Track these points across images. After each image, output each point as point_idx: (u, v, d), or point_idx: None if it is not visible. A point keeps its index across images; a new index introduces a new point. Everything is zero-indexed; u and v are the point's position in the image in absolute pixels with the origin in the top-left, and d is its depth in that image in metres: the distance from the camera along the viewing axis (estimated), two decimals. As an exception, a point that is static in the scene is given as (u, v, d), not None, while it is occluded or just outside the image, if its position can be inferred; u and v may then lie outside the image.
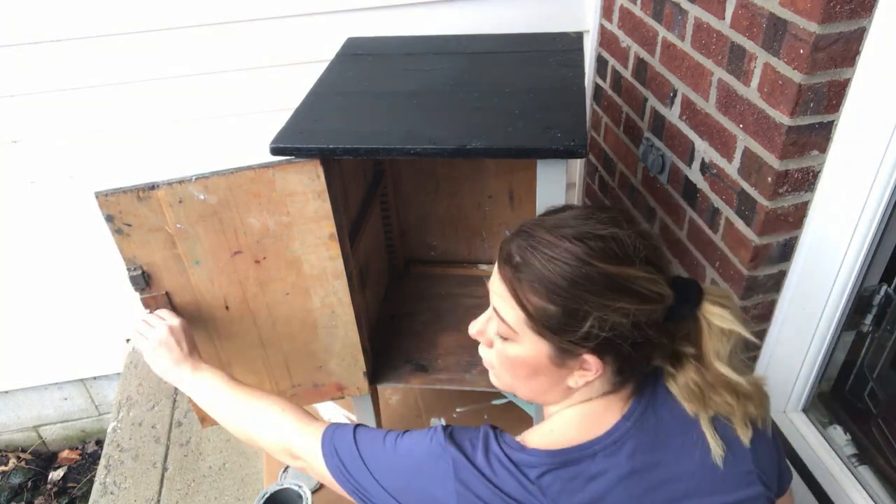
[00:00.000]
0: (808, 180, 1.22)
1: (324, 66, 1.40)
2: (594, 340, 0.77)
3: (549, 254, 0.76)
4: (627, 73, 1.71)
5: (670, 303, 0.78)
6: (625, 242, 0.76)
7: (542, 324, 0.78)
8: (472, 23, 1.74)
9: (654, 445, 0.82)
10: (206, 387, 1.08)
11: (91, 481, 2.18)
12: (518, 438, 0.84)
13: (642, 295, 0.76)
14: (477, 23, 1.74)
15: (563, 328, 0.77)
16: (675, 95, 1.48)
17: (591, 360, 0.79)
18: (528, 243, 0.78)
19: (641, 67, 1.63)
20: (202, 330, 1.21)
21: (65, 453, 2.45)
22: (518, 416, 1.67)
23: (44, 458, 2.44)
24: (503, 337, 0.82)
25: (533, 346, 0.80)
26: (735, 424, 0.83)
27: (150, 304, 1.15)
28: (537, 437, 0.84)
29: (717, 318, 0.80)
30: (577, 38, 1.51)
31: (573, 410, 0.85)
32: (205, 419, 1.28)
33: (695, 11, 1.35)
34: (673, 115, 1.51)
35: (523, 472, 0.79)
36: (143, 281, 1.13)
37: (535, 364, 0.82)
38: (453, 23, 1.73)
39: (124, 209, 1.05)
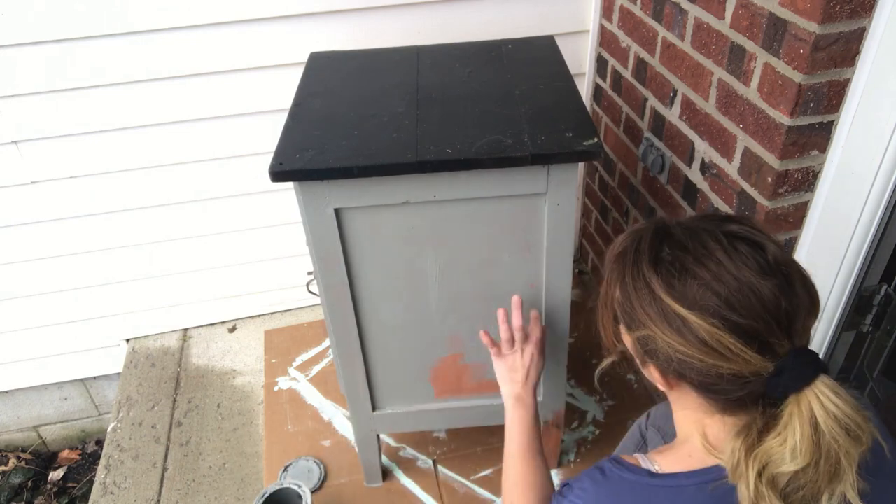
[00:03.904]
0: (808, 180, 1.22)
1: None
2: (644, 349, 0.77)
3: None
4: (627, 73, 1.71)
5: (761, 371, 0.69)
6: (723, 287, 0.70)
7: (620, 311, 0.79)
8: (471, 23, 1.74)
9: None
10: (510, 420, 1.17)
11: (91, 481, 2.18)
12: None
13: (702, 344, 0.70)
14: (477, 23, 1.74)
15: (627, 323, 0.78)
16: (675, 95, 1.48)
17: (654, 370, 0.78)
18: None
19: (641, 67, 1.63)
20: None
21: (65, 453, 2.45)
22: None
23: (44, 458, 2.44)
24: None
25: (625, 332, 0.82)
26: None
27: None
28: (667, 460, 0.80)
29: (820, 407, 0.66)
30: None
31: (692, 431, 0.80)
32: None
33: (695, 11, 1.35)
34: (673, 115, 1.51)
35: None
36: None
37: (631, 348, 0.82)
38: (453, 23, 1.73)
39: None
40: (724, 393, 0.73)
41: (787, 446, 0.66)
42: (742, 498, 0.70)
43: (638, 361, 0.83)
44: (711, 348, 0.69)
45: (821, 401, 0.66)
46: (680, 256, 0.73)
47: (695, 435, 0.79)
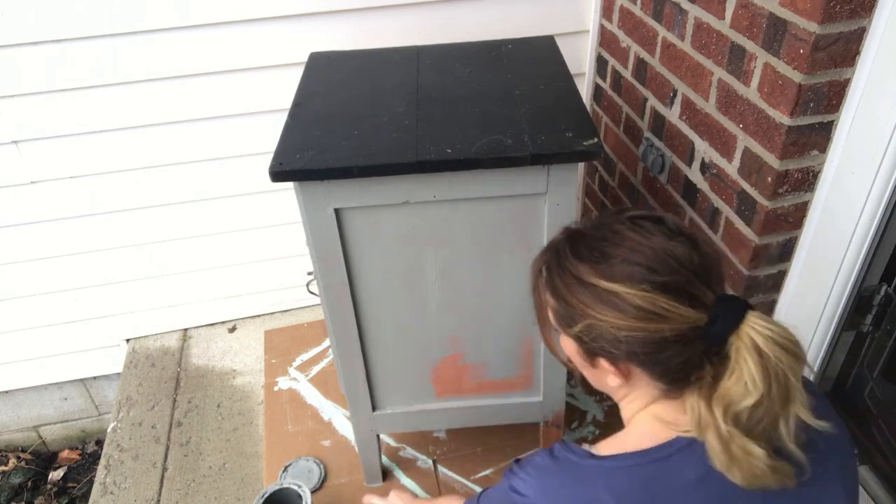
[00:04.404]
0: (808, 180, 1.22)
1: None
2: (590, 344, 0.78)
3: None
4: (627, 73, 1.71)
5: (697, 323, 0.73)
6: (641, 257, 0.76)
7: (555, 317, 0.82)
8: (471, 23, 1.74)
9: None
10: None
11: (91, 481, 2.18)
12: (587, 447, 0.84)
13: (639, 311, 0.74)
14: (477, 23, 1.74)
15: (566, 325, 0.80)
16: (675, 95, 1.48)
17: (605, 364, 0.80)
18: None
19: (641, 67, 1.63)
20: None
21: (65, 453, 2.45)
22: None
23: (44, 458, 2.44)
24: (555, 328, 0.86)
25: (565, 339, 0.84)
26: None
27: None
28: (608, 445, 0.83)
29: (758, 335, 0.71)
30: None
31: (641, 417, 0.84)
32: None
33: (695, 11, 1.35)
34: (673, 115, 1.51)
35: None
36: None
37: (574, 357, 0.85)
38: (453, 23, 1.73)
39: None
40: (672, 361, 0.76)
41: (743, 380, 0.71)
42: (711, 450, 0.73)
43: (586, 364, 0.84)
44: (649, 312, 0.74)
45: (757, 330, 0.71)
46: (597, 245, 0.79)
47: (643, 420, 0.83)
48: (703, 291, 0.75)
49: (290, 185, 1.17)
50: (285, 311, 2.21)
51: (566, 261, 0.80)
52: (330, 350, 2.02)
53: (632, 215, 0.81)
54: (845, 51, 1.08)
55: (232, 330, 2.18)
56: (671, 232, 0.78)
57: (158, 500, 1.70)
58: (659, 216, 0.81)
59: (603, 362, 0.81)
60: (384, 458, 1.68)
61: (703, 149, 1.41)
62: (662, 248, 0.76)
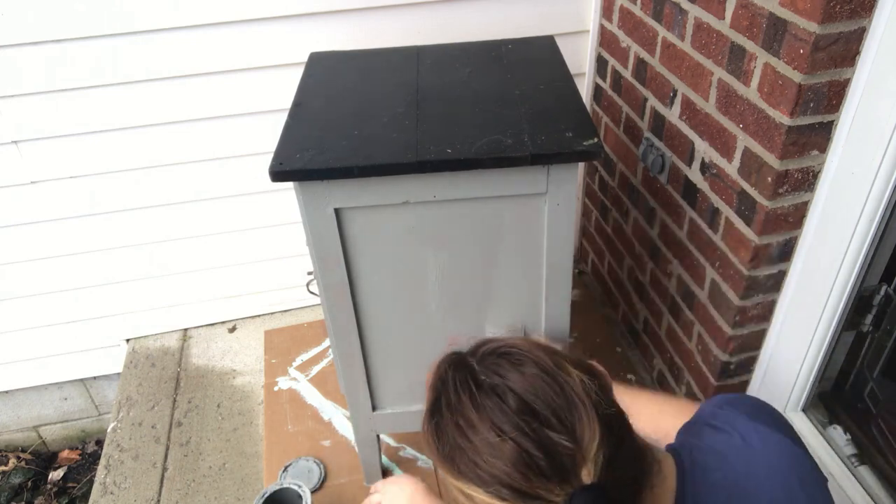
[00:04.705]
0: (808, 180, 1.22)
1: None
2: None
3: None
4: (627, 73, 1.71)
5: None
6: (482, 461, 0.66)
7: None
8: (471, 23, 1.74)
9: None
10: None
11: (91, 481, 2.18)
12: None
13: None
14: (477, 23, 1.74)
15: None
16: (675, 95, 1.48)
17: None
18: None
19: (641, 67, 1.63)
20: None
21: (65, 453, 2.45)
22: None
23: (44, 458, 2.44)
24: None
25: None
26: None
27: None
28: None
29: None
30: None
31: None
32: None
33: (695, 11, 1.35)
34: (673, 115, 1.51)
35: None
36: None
37: None
38: (453, 23, 1.73)
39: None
40: None
41: None
42: None
43: None
44: None
45: None
46: (450, 437, 0.71)
47: None
48: (551, 490, 0.64)
49: (290, 185, 1.17)
50: (285, 311, 2.21)
51: (433, 454, 0.74)
52: (330, 350, 2.02)
53: (480, 383, 0.70)
54: (845, 51, 1.08)
55: (232, 330, 2.18)
56: (509, 422, 0.66)
57: (158, 500, 1.70)
58: (501, 392, 0.69)
59: None
60: (384, 458, 1.68)
61: (703, 149, 1.41)
62: (496, 450, 0.66)
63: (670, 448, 0.84)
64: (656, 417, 1.00)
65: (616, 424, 0.69)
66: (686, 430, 0.89)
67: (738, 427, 0.83)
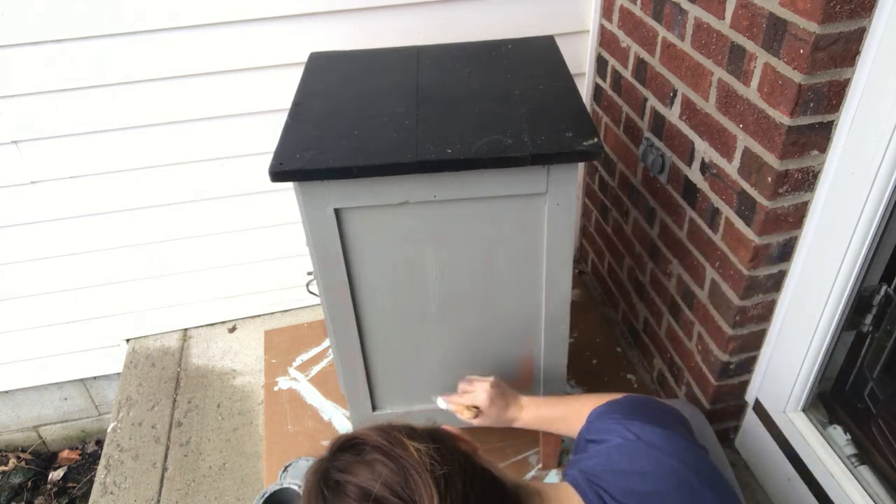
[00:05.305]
0: (808, 180, 1.22)
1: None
2: None
3: None
4: (627, 73, 1.71)
5: None
6: None
7: None
8: (471, 23, 1.74)
9: None
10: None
11: (91, 481, 2.18)
12: None
13: None
14: (477, 23, 1.74)
15: None
16: (675, 95, 1.48)
17: None
18: None
19: (641, 67, 1.63)
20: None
21: (65, 453, 2.46)
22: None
23: (44, 458, 2.44)
24: None
25: None
26: None
27: None
28: None
29: None
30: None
31: None
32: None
33: (695, 11, 1.35)
34: (673, 115, 1.51)
35: None
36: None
37: None
38: (453, 23, 1.73)
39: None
40: None
41: None
42: None
43: None
44: None
45: None
46: None
47: None
48: None
49: (289, 185, 1.17)
50: (285, 311, 2.21)
51: None
52: (330, 350, 2.02)
53: (327, 482, 0.76)
54: (845, 51, 1.08)
55: (232, 330, 2.18)
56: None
57: (158, 500, 1.70)
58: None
59: None
60: (384, 458, 1.67)
61: (703, 149, 1.41)
62: None
63: (565, 475, 0.92)
64: (580, 417, 1.09)
65: (459, 479, 0.76)
66: (574, 453, 1.01)
67: (611, 430, 0.94)
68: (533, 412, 1.27)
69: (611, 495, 0.85)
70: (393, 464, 0.74)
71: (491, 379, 1.30)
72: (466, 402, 1.29)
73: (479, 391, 1.28)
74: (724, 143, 1.33)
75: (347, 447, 0.79)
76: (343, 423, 1.81)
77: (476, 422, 1.29)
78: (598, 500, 0.85)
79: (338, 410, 1.85)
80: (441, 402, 1.35)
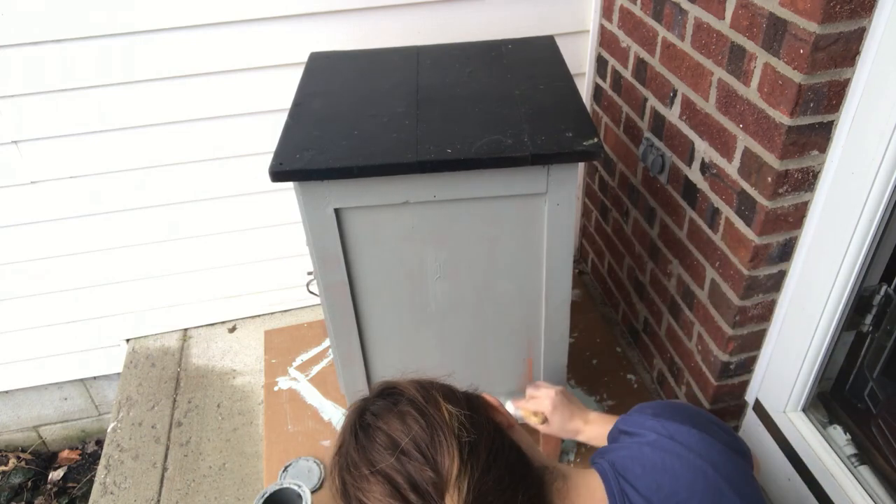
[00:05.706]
0: (808, 180, 1.22)
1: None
2: None
3: None
4: (627, 73, 1.71)
5: None
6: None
7: None
8: (471, 23, 1.74)
9: None
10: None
11: (91, 481, 2.18)
12: None
13: None
14: (477, 23, 1.74)
15: None
16: (675, 95, 1.48)
17: None
18: None
19: (641, 67, 1.63)
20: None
21: (65, 453, 2.45)
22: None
23: (44, 458, 2.44)
24: None
25: None
26: None
27: None
28: None
29: None
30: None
31: None
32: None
33: (695, 11, 1.35)
34: (673, 115, 1.51)
35: None
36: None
37: None
38: (453, 23, 1.73)
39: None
40: None
41: None
42: None
43: None
44: None
45: None
46: (341, 474, 0.78)
47: None
48: None
49: (290, 185, 1.17)
50: (285, 311, 2.21)
51: (330, 486, 0.80)
52: (330, 350, 2.02)
53: (362, 424, 0.78)
54: (845, 51, 1.08)
55: (232, 330, 2.18)
56: (382, 450, 0.75)
57: (158, 500, 1.70)
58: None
59: None
60: (384, 458, 1.67)
61: (703, 149, 1.41)
62: (375, 486, 0.73)
63: (592, 462, 0.92)
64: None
65: (485, 449, 0.76)
66: (608, 441, 1.02)
67: (647, 426, 0.93)
68: (598, 429, 1.26)
69: (637, 491, 0.85)
70: (424, 420, 0.76)
71: (559, 387, 1.31)
72: (532, 408, 1.30)
73: (543, 397, 1.29)
74: (724, 143, 1.33)
75: (386, 394, 0.80)
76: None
77: (543, 428, 1.29)
78: (621, 496, 0.84)
79: (338, 410, 1.85)
80: (510, 407, 1.36)
